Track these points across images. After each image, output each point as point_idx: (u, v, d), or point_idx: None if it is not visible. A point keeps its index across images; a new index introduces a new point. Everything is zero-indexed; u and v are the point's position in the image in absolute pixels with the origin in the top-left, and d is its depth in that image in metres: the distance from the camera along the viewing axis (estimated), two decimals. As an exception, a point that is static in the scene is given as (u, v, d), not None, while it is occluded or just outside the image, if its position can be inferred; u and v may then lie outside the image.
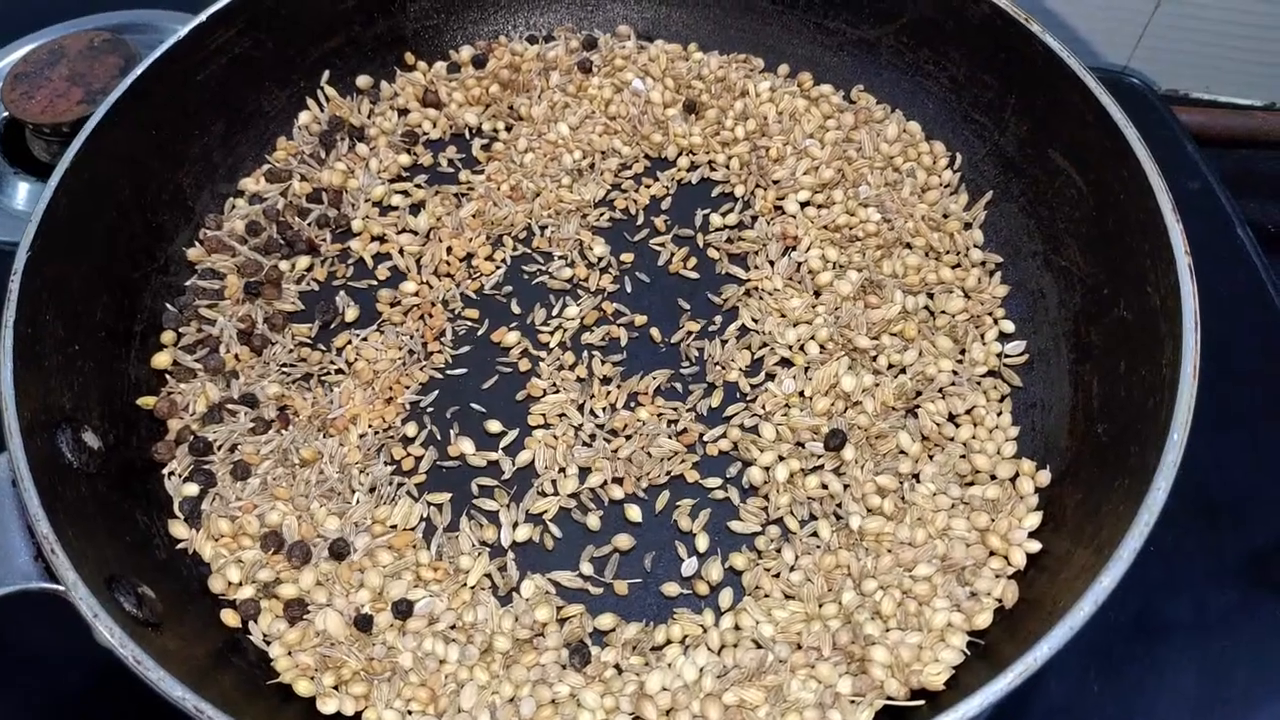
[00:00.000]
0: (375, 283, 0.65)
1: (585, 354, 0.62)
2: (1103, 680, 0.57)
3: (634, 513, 0.56)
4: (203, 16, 0.64)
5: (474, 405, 0.60)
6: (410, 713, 0.50)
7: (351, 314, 0.64)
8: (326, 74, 0.72)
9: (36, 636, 0.58)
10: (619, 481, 0.57)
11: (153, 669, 0.42)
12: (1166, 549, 0.60)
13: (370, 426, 0.59)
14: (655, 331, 0.63)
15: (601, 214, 0.68)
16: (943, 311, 0.62)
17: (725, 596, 0.54)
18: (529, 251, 0.67)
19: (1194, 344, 0.49)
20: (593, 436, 0.59)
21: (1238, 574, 0.61)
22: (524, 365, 0.62)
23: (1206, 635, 0.59)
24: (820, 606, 0.52)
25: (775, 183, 0.68)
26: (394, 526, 0.56)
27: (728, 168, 0.70)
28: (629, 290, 0.65)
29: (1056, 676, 0.57)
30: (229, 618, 0.52)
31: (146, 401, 0.59)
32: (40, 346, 0.53)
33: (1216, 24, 0.90)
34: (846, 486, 0.56)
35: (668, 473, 0.57)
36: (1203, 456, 0.63)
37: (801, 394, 0.60)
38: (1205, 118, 0.85)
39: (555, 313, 0.64)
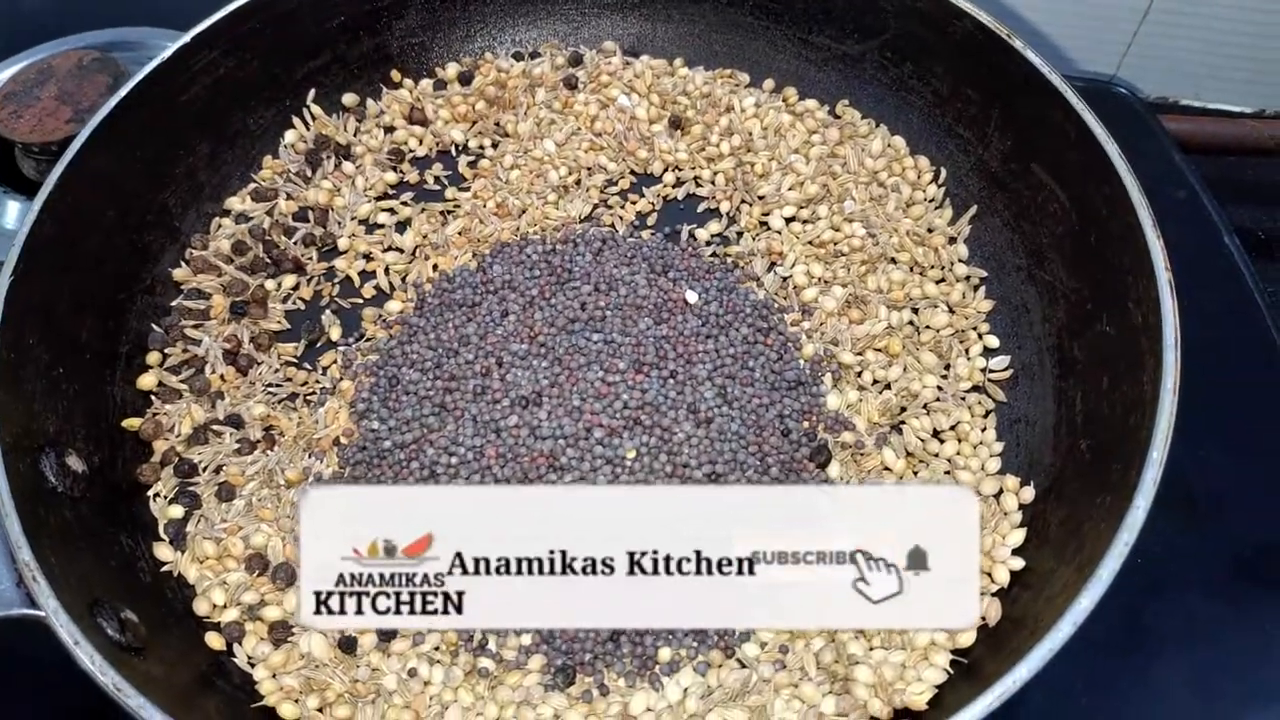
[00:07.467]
0: (361, 301, 0.65)
1: (571, 371, 0.62)
2: (1090, 692, 0.57)
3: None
4: (187, 37, 0.64)
5: (459, 424, 0.60)
6: (394, 735, 0.50)
7: (336, 333, 0.64)
8: (312, 92, 0.72)
9: (34, 656, 0.58)
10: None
11: (133, 696, 0.42)
12: (1152, 555, 0.59)
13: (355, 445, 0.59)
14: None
15: (587, 230, 0.68)
16: (927, 326, 0.62)
17: (710, 615, 0.54)
18: (515, 269, 0.67)
19: (1174, 362, 0.49)
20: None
21: (1224, 578, 0.60)
22: (509, 383, 0.62)
23: (1194, 641, 0.58)
24: (804, 625, 0.52)
25: (760, 198, 0.68)
26: (379, 547, 0.56)
27: (713, 183, 0.70)
28: (614, 307, 0.65)
29: (1043, 688, 0.57)
30: (213, 641, 0.52)
31: (131, 423, 0.59)
32: (23, 370, 0.53)
33: (1205, 31, 0.90)
34: (831, 504, 0.56)
35: (653, 491, 0.57)
36: (1189, 461, 0.64)
37: (786, 410, 0.60)
38: (1192, 125, 0.85)
39: (541, 330, 0.64)
